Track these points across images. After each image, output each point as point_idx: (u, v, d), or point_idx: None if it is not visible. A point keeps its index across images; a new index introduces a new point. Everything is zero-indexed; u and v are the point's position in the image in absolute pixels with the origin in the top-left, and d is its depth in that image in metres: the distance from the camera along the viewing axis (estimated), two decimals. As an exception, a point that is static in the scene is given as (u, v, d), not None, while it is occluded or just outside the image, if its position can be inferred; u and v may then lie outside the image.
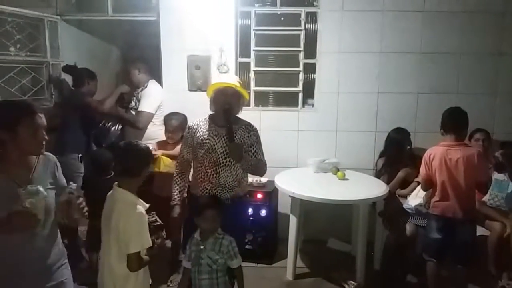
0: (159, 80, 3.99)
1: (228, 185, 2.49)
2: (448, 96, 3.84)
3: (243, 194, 2.64)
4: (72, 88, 3.87)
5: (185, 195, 2.65)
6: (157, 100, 3.83)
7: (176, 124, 3.25)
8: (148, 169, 2.11)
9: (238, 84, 2.51)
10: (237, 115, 2.59)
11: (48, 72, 3.89)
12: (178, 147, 3.15)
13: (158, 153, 3.04)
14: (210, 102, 2.57)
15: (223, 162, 2.47)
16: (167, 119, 3.36)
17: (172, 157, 3.16)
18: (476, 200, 3.05)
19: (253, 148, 2.54)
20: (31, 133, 1.77)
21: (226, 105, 2.46)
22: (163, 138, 3.55)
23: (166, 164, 3.03)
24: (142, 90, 3.86)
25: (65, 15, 4.06)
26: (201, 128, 2.54)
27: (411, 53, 3.87)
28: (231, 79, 2.62)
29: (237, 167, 2.51)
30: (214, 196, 2.44)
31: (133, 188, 2.03)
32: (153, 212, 2.15)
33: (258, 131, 2.62)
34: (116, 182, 2.06)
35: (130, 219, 1.93)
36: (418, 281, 3.33)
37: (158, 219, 2.15)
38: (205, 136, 2.49)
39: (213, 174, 2.48)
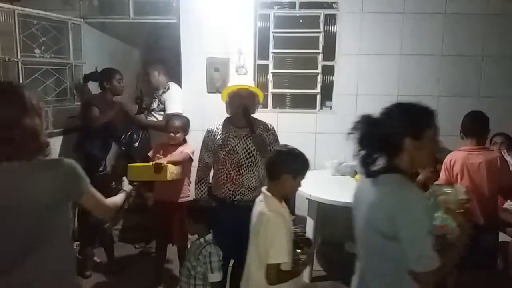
0: (179, 82, 4.03)
1: (251, 186, 2.52)
2: (469, 99, 3.77)
3: None
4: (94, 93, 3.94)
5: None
6: (181, 100, 3.90)
7: (178, 125, 3.24)
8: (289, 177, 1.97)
9: (252, 85, 2.56)
10: (254, 116, 2.62)
11: (71, 74, 3.99)
12: (180, 149, 3.17)
13: (163, 161, 2.94)
14: (226, 105, 2.61)
15: (245, 163, 2.50)
16: (169, 120, 3.33)
17: (176, 163, 3.06)
18: (498, 206, 2.99)
19: (272, 146, 2.58)
20: None
21: (244, 106, 2.49)
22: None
23: (171, 172, 2.94)
24: (163, 92, 3.91)
25: (88, 18, 4.15)
26: (220, 131, 2.57)
27: (431, 56, 3.83)
28: (245, 80, 2.66)
29: (259, 167, 2.54)
30: (208, 201, 2.47)
31: (276, 193, 1.96)
32: (300, 225, 2.11)
33: (276, 133, 2.65)
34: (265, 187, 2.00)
35: (270, 226, 1.84)
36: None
37: (305, 233, 2.11)
38: (226, 138, 2.52)
39: (236, 175, 2.50)
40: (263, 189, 2.01)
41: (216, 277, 2.25)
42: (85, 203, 1.59)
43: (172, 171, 2.97)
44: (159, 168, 2.91)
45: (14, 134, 1.37)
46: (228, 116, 2.65)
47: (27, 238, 1.41)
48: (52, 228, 1.46)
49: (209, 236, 2.33)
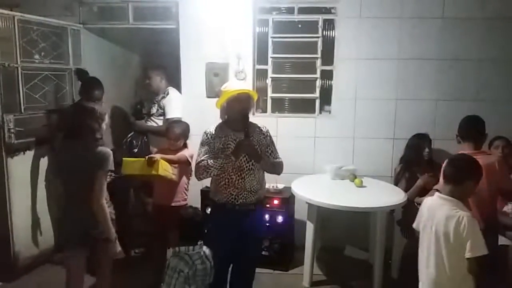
0: (178, 87, 4.05)
1: (253, 189, 2.54)
2: (467, 103, 3.78)
3: (263, 197, 2.70)
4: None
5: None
6: (181, 105, 3.92)
7: (178, 132, 3.25)
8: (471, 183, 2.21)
9: (249, 88, 2.60)
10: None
11: (70, 79, 4.00)
12: (178, 154, 3.20)
13: (157, 156, 3.00)
14: (222, 110, 2.61)
15: (246, 167, 2.50)
16: (170, 126, 3.35)
17: (170, 161, 3.12)
18: (497, 210, 2.99)
19: (270, 149, 2.63)
20: None
21: (243, 110, 2.51)
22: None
23: (164, 168, 2.98)
24: (163, 97, 3.91)
25: (87, 23, 4.17)
26: (219, 135, 2.57)
27: (429, 60, 3.85)
28: (242, 85, 2.68)
29: (259, 170, 2.56)
30: (195, 212, 2.46)
31: (457, 196, 2.19)
32: None
33: (274, 137, 2.69)
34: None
35: (464, 224, 2.06)
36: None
37: None
38: (226, 142, 2.52)
39: (238, 180, 2.50)
40: (439, 194, 2.27)
41: None
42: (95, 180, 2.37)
43: (165, 168, 3.00)
44: (151, 162, 2.93)
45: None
46: (224, 120, 2.65)
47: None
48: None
49: (184, 248, 2.30)
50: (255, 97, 2.64)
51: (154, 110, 3.97)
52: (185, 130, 3.32)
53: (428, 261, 2.25)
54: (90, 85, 3.64)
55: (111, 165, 2.46)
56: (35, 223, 3.68)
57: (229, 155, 2.45)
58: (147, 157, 2.97)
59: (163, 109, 3.88)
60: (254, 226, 2.60)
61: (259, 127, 2.64)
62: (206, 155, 2.52)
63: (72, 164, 2.47)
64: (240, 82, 2.75)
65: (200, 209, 2.64)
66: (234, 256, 2.58)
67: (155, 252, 3.38)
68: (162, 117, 3.89)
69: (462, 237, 2.07)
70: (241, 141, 2.45)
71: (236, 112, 2.53)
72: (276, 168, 2.66)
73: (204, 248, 2.36)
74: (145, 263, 3.67)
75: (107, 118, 2.63)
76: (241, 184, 2.51)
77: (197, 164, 2.54)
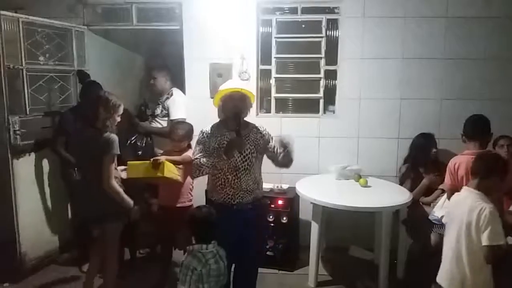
0: (182, 88, 4.05)
1: (249, 188, 2.56)
2: (472, 102, 3.77)
3: (261, 197, 2.70)
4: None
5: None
6: (185, 106, 3.91)
7: (182, 133, 3.24)
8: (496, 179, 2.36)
9: (243, 88, 2.59)
10: (245, 119, 2.64)
11: (75, 81, 4.01)
12: (183, 155, 3.17)
13: (162, 158, 2.97)
14: (219, 110, 2.63)
15: (242, 166, 2.52)
16: (173, 128, 3.34)
17: (175, 162, 3.09)
18: (504, 209, 2.97)
19: (272, 144, 2.65)
20: None
21: (235, 108, 2.53)
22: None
23: (169, 170, 2.96)
24: (167, 98, 3.91)
25: (91, 25, 4.19)
26: (215, 134, 2.59)
27: (433, 59, 3.83)
28: (236, 84, 2.68)
29: (255, 169, 2.58)
30: (209, 211, 2.43)
31: (483, 189, 2.33)
32: None
33: (278, 138, 2.65)
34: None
35: (485, 214, 2.20)
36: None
37: None
38: (222, 141, 2.54)
39: (234, 179, 2.53)
40: (466, 187, 2.40)
41: None
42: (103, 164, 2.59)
43: (170, 169, 2.99)
44: (156, 164, 2.93)
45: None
46: (221, 119, 2.66)
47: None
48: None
49: (197, 246, 2.32)
50: (252, 97, 2.63)
51: (158, 111, 3.97)
52: (189, 131, 3.32)
53: (451, 251, 2.38)
54: (89, 88, 3.61)
55: (116, 149, 2.66)
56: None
57: (221, 154, 2.47)
58: (152, 159, 2.96)
59: (167, 110, 3.88)
60: (253, 225, 2.61)
61: (256, 127, 2.66)
62: (200, 154, 2.58)
63: (83, 149, 2.76)
64: (238, 82, 2.74)
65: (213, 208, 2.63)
66: (235, 256, 2.58)
67: (161, 253, 3.37)
68: (166, 118, 3.89)
69: (482, 227, 2.20)
70: (232, 139, 2.48)
71: (229, 111, 2.55)
72: (286, 159, 2.63)
73: (218, 248, 2.38)
74: (151, 264, 3.68)
75: (121, 110, 2.79)
76: (237, 184, 2.53)
77: (192, 162, 2.63)
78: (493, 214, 2.21)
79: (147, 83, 4.11)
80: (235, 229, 2.55)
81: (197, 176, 2.63)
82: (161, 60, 4.48)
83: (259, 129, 2.65)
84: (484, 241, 2.20)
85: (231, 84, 2.66)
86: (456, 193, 2.49)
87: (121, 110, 2.81)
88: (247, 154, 2.54)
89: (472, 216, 2.25)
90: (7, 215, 3.40)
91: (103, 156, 2.61)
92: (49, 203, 3.78)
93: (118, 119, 2.81)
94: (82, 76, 3.87)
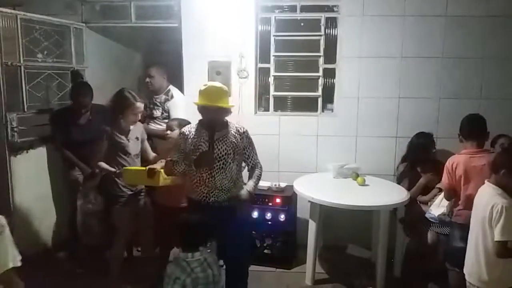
0: (181, 86, 4.05)
1: (224, 187, 2.57)
2: (471, 101, 3.77)
3: (239, 195, 2.61)
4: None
5: None
6: (185, 107, 3.88)
7: (175, 123, 3.23)
8: None
9: (218, 99, 2.52)
10: (227, 119, 2.65)
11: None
12: None
13: (157, 166, 2.93)
14: (198, 109, 2.61)
15: (216, 165, 2.54)
16: (171, 124, 3.32)
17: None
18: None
19: (247, 151, 2.66)
20: None
21: (209, 122, 2.55)
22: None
23: (164, 178, 2.92)
24: (167, 100, 3.86)
25: (90, 22, 4.18)
26: (192, 134, 2.60)
27: (432, 58, 3.83)
28: (213, 96, 2.53)
29: (231, 168, 2.58)
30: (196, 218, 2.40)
31: (501, 185, 2.34)
32: None
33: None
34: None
35: (500, 209, 2.23)
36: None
37: None
38: (197, 142, 2.56)
39: (208, 178, 2.54)
40: (487, 182, 2.40)
41: None
42: None
43: (165, 177, 2.94)
44: (152, 173, 2.90)
45: None
46: (200, 120, 2.67)
47: None
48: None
49: (183, 255, 2.26)
50: (229, 106, 2.60)
51: (158, 113, 3.94)
52: (184, 125, 3.29)
53: (471, 243, 2.44)
54: (77, 90, 3.56)
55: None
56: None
57: (193, 159, 2.52)
58: (147, 167, 2.93)
59: (168, 112, 3.86)
60: (232, 224, 2.56)
61: (236, 128, 2.65)
62: (176, 155, 2.63)
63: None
64: (216, 89, 2.56)
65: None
66: (221, 255, 2.57)
67: (160, 253, 3.35)
68: (167, 120, 3.82)
69: (494, 222, 2.24)
70: (202, 154, 2.50)
71: (204, 119, 2.60)
72: (259, 178, 2.71)
73: (208, 255, 2.31)
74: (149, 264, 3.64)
75: (135, 108, 3.09)
76: (212, 183, 2.54)
77: (166, 161, 2.69)
78: (508, 210, 2.22)
79: (144, 78, 4.06)
80: (214, 226, 2.49)
81: (170, 175, 2.73)
82: (159, 57, 4.47)
83: (238, 131, 2.64)
84: (495, 236, 2.24)
85: (206, 92, 2.54)
86: (481, 187, 2.50)
87: (136, 109, 3.06)
88: (223, 155, 2.54)
89: (486, 211, 2.30)
90: (4, 212, 3.39)
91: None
92: (45, 202, 3.77)
93: (134, 117, 3.07)
94: (75, 76, 3.85)
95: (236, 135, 2.61)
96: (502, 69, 3.80)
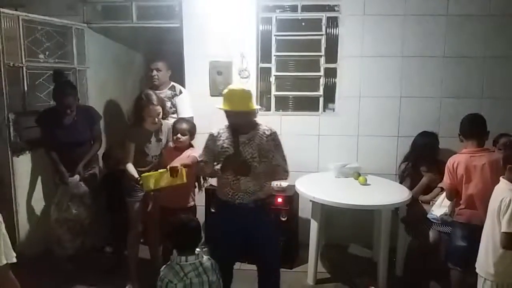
0: (182, 86, 4.05)
1: (249, 191, 2.53)
2: (472, 100, 3.77)
3: (266, 197, 2.65)
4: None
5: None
6: (191, 104, 3.89)
7: (185, 128, 3.22)
8: None
9: (241, 103, 2.48)
10: (256, 120, 2.61)
11: (75, 79, 4.02)
12: (186, 153, 3.16)
13: (178, 164, 2.91)
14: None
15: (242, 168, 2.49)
16: (176, 123, 3.30)
17: (187, 166, 3.02)
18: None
19: (271, 154, 2.55)
20: None
21: (233, 125, 2.54)
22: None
23: (185, 174, 2.95)
24: (175, 95, 3.83)
25: (91, 23, 4.18)
26: (221, 136, 2.59)
27: (434, 57, 3.83)
28: (234, 97, 2.51)
29: (257, 174, 2.52)
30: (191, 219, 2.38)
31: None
32: None
33: (278, 135, 2.62)
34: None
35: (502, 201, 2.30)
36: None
37: None
38: (225, 145, 2.55)
39: (233, 181, 2.52)
40: (501, 178, 2.41)
41: None
42: None
43: (185, 174, 2.94)
44: (175, 171, 2.87)
45: None
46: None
47: None
48: None
49: (177, 258, 2.20)
50: (254, 109, 2.57)
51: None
52: (192, 127, 3.30)
53: (483, 236, 2.47)
54: (60, 90, 3.42)
55: None
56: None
57: (220, 161, 2.51)
58: (168, 167, 2.91)
59: (175, 107, 3.84)
60: (259, 226, 2.57)
61: (264, 130, 2.58)
62: (204, 157, 2.64)
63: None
64: (239, 93, 2.54)
65: (196, 217, 2.66)
66: (241, 254, 2.60)
67: (162, 254, 3.34)
68: (175, 115, 3.77)
69: (501, 214, 2.29)
70: (229, 157, 2.50)
71: (229, 122, 2.57)
72: (273, 175, 2.62)
73: (205, 260, 2.25)
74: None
75: (151, 111, 3.08)
76: (236, 185, 2.52)
77: (197, 162, 2.71)
78: None
79: (147, 72, 4.01)
80: (239, 227, 2.54)
81: (201, 175, 2.74)
82: (161, 57, 4.46)
83: (265, 132, 2.56)
84: (502, 227, 2.27)
85: (231, 96, 2.52)
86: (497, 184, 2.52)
87: (152, 111, 3.05)
88: (248, 158, 2.50)
89: (496, 204, 2.33)
90: (7, 213, 3.40)
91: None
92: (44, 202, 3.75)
93: (152, 119, 3.06)
94: (56, 75, 3.68)
95: (263, 137, 2.55)
96: (504, 68, 3.79)
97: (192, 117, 3.77)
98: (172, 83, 3.96)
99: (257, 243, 2.62)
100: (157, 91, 3.87)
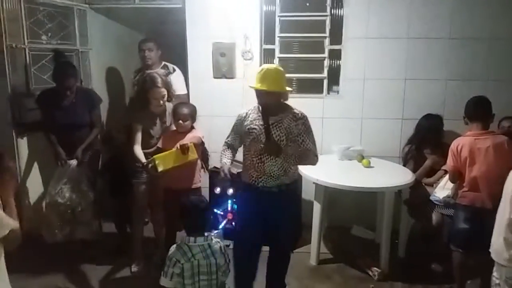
0: (185, 67, 4.03)
1: (273, 174, 2.48)
2: (478, 83, 3.73)
3: (290, 182, 2.58)
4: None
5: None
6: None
7: (186, 112, 3.21)
8: None
9: (271, 83, 2.42)
10: (286, 103, 2.56)
11: (78, 60, 4.00)
12: (189, 136, 3.17)
13: (187, 141, 2.94)
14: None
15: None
16: (177, 108, 3.27)
17: (195, 145, 3.07)
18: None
19: (301, 138, 2.49)
20: None
21: (262, 105, 2.48)
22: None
23: (194, 151, 2.97)
24: (169, 73, 3.83)
25: (93, 3, 4.14)
26: (249, 116, 2.55)
27: (439, 39, 3.78)
28: (265, 77, 2.43)
29: (283, 157, 2.47)
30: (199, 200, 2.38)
31: None
32: None
33: (308, 123, 2.56)
34: None
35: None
36: (442, 270, 3.31)
37: None
38: (252, 126, 2.50)
39: (258, 163, 2.49)
40: None
41: (162, 280, 2.17)
42: None
43: (194, 150, 2.95)
44: (185, 148, 2.89)
45: None
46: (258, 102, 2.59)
47: None
48: None
49: (185, 238, 2.20)
50: (286, 90, 2.50)
51: None
52: (193, 111, 3.29)
53: (496, 224, 2.36)
54: (60, 71, 3.38)
55: None
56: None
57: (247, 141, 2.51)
58: (178, 145, 2.93)
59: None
60: (280, 210, 2.54)
61: (295, 113, 2.53)
62: (229, 138, 2.64)
63: None
64: (267, 70, 2.44)
65: (205, 197, 2.64)
66: (265, 238, 2.59)
67: (166, 236, 3.38)
68: None
69: (509, 197, 2.19)
70: (258, 137, 2.45)
71: (259, 102, 2.51)
72: (304, 159, 2.54)
73: (214, 242, 2.24)
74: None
75: (154, 93, 3.08)
76: (261, 168, 2.48)
77: (222, 146, 2.69)
78: None
79: (140, 52, 3.97)
80: (261, 210, 2.52)
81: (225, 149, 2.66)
82: (163, 38, 4.42)
83: (295, 116, 2.51)
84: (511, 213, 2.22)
85: (260, 77, 2.45)
86: None
87: (157, 93, 3.04)
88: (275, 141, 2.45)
89: (508, 187, 2.28)
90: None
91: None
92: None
93: (156, 102, 3.07)
94: (59, 56, 3.70)
95: (292, 120, 2.50)
96: (510, 50, 3.74)
97: (186, 94, 3.83)
98: (164, 62, 3.96)
99: (276, 227, 2.59)
100: (150, 71, 3.86)
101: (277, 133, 2.45)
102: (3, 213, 1.66)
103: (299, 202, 2.79)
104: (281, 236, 2.66)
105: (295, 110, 2.55)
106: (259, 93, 2.47)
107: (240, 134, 2.60)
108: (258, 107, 2.55)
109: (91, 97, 3.59)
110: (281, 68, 2.53)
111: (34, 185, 3.69)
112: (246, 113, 2.59)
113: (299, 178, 2.87)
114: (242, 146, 2.63)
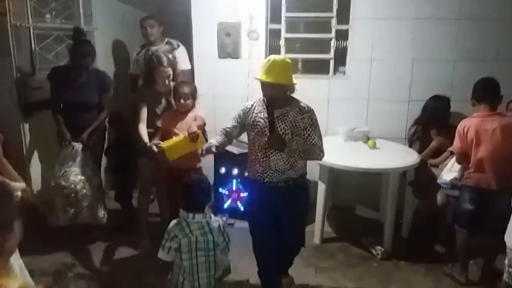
0: (190, 47, 4.00)
1: (279, 169, 2.42)
2: (486, 64, 3.69)
3: (297, 177, 2.51)
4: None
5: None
6: None
7: (187, 91, 3.14)
8: None
9: (276, 75, 2.34)
10: (293, 95, 2.49)
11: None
12: (191, 115, 3.14)
13: (194, 128, 2.86)
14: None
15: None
16: (178, 86, 3.20)
17: (199, 128, 3.00)
18: None
19: (306, 132, 2.41)
20: None
21: (267, 97, 2.42)
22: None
23: (203, 140, 2.93)
24: (173, 49, 3.83)
25: (97, -18, 4.09)
26: (255, 109, 2.49)
27: (447, 20, 3.72)
28: (271, 68, 2.35)
29: (288, 152, 2.40)
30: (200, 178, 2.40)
31: None
32: None
33: (315, 117, 2.45)
34: None
35: None
36: (446, 250, 3.35)
37: None
38: (257, 118, 2.45)
39: (263, 158, 2.43)
40: None
41: (160, 253, 2.21)
42: None
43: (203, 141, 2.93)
44: (195, 136, 2.85)
45: None
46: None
47: None
48: None
49: (185, 214, 2.23)
50: (292, 83, 2.43)
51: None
52: (194, 90, 3.25)
53: None
54: (78, 49, 3.32)
55: None
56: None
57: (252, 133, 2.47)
58: (187, 133, 2.88)
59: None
60: (287, 205, 2.48)
61: (300, 106, 2.44)
62: (229, 125, 2.57)
63: None
64: (273, 62, 2.35)
65: (206, 176, 2.57)
66: (275, 235, 2.55)
67: (170, 216, 3.39)
68: None
69: None
70: (262, 130, 2.40)
71: (263, 95, 2.45)
72: (309, 155, 2.44)
73: (213, 220, 2.26)
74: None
75: (162, 72, 3.09)
76: (266, 163, 2.42)
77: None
78: None
79: (141, 29, 3.96)
80: (270, 205, 2.48)
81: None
82: (168, 18, 4.37)
83: (301, 109, 2.41)
84: None
85: (265, 68, 2.36)
86: None
87: (163, 73, 3.05)
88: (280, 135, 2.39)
89: None
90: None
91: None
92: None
93: (162, 81, 3.08)
94: (77, 33, 3.56)
95: (298, 114, 2.39)
96: (519, 30, 3.69)
97: (190, 70, 3.83)
98: (167, 38, 3.95)
99: (286, 223, 2.55)
100: (154, 47, 3.85)
101: (282, 126, 2.38)
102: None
103: (308, 197, 2.78)
104: (288, 234, 2.59)
105: (301, 104, 2.45)
106: (264, 85, 2.39)
107: (241, 124, 2.54)
108: (263, 100, 2.49)
109: (103, 80, 3.48)
110: (288, 60, 2.44)
111: (38, 167, 3.70)
112: (252, 105, 2.51)
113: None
114: (247, 140, 2.56)
